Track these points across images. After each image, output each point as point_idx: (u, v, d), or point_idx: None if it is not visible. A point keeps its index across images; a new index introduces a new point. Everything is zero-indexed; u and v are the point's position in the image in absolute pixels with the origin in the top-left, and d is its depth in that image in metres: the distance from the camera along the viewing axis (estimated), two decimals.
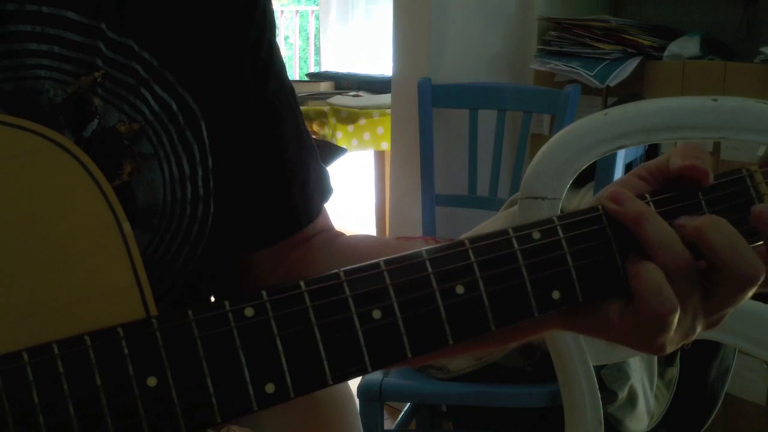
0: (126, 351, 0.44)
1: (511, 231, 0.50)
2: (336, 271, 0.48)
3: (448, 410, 1.98)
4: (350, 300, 0.47)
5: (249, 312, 0.46)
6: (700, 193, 0.53)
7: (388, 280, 0.48)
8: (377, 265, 0.48)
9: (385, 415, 1.76)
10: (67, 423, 0.43)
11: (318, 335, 0.47)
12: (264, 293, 0.46)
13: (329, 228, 0.76)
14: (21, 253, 0.46)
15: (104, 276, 0.47)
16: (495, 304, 0.49)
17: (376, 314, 0.48)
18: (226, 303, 0.46)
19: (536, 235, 0.51)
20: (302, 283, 0.47)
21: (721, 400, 1.66)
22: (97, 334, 0.44)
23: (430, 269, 0.49)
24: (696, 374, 1.64)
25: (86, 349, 0.44)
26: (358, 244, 0.73)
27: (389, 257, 0.49)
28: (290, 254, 0.72)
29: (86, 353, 0.44)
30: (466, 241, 0.50)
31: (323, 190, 0.75)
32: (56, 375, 0.43)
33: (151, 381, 0.44)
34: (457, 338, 0.49)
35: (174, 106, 0.63)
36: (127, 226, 0.48)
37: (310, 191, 0.73)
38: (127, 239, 0.48)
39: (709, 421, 1.66)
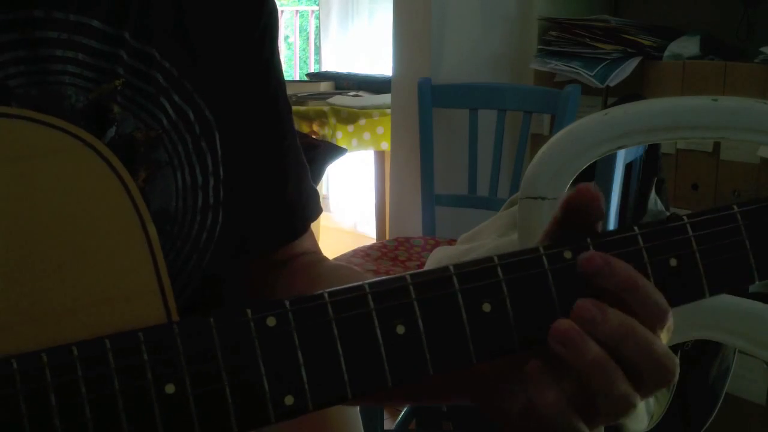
0: (145, 356, 0.44)
1: (541, 249, 0.49)
2: (361, 283, 0.47)
3: (448, 410, 1.98)
4: (374, 314, 0.46)
5: (271, 321, 0.45)
6: (738, 215, 0.51)
7: (413, 296, 0.47)
8: (403, 278, 0.48)
9: (385, 415, 1.77)
10: (83, 426, 0.42)
11: (340, 348, 0.46)
12: (287, 303, 0.46)
13: (314, 251, 0.76)
14: (46, 251, 0.45)
15: (128, 278, 0.46)
16: (520, 323, 0.48)
17: (400, 329, 0.47)
18: (248, 311, 0.45)
19: (567, 255, 0.49)
20: (326, 295, 0.46)
21: (721, 400, 1.66)
22: (117, 338, 0.44)
23: (457, 286, 0.48)
24: (696, 374, 1.64)
25: (106, 352, 0.43)
26: (343, 273, 0.72)
27: (416, 272, 0.48)
28: (271, 271, 0.73)
29: (105, 357, 0.43)
30: (495, 258, 0.49)
31: (313, 207, 0.76)
32: (74, 378, 0.43)
33: (169, 388, 0.44)
34: (481, 357, 0.48)
35: (191, 116, 0.64)
36: (152, 228, 0.47)
37: (302, 206, 0.74)
38: (151, 241, 0.47)
39: (709, 421, 1.66)
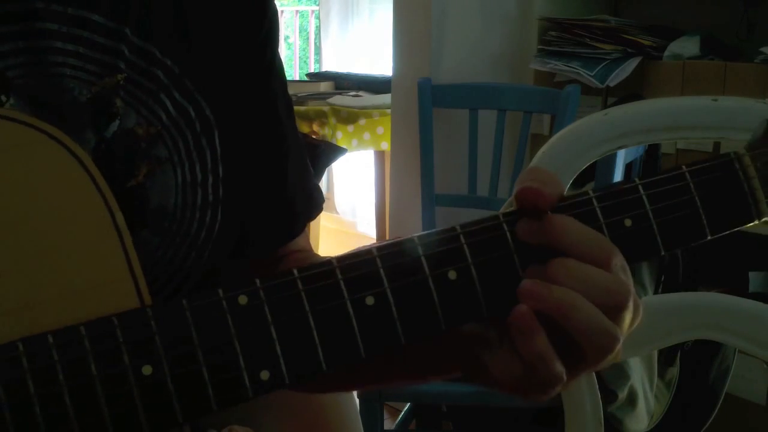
0: (121, 340, 0.44)
1: (501, 216, 0.51)
2: (329, 258, 0.48)
3: (448, 410, 1.98)
4: (343, 285, 0.47)
5: (243, 300, 0.46)
6: (687, 174, 0.53)
7: (380, 266, 0.48)
8: (369, 251, 0.49)
9: (385, 415, 1.77)
10: (63, 412, 0.43)
11: (311, 321, 0.47)
12: (258, 281, 0.47)
13: (308, 249, 0.77)
14: (14, 245, 0.46)
15: (98, 267, 0.47)
16: (486, 288, 0.49)
17: (369, 300, 0.48)
18: (220, 291, 0.46)
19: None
20: (295, 271, 0.47)
21: (721, 400, 1.66)
22: (91, 324, 0.44)
23: (421, 254, 0.49)
24: (696, 374, 1.64)
25: (81, 338, 0.44)
26: None
27: (382, 243, 0.49)
28: (265, 269, 0.73)
29: (81, 342, 0.44)
30: (458, 226, 0.50)
31: (312, 207, 0.76)
32: (51, 365, 0.43)
33: (147, 369, 0.44)
34: (450, 324, 0.49)
35: (192, 113, 0.64)
36: (120, 217, 0.48)
37: (301, 207, 0.75)
38: (120, 230, 0.48)
39: (709, 421, 1.66)
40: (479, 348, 0.52)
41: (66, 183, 0.47)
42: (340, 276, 0.48)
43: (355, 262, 0.48)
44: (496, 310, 0.49)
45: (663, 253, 0.52)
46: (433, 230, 0.50)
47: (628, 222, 0.51)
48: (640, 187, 0.52)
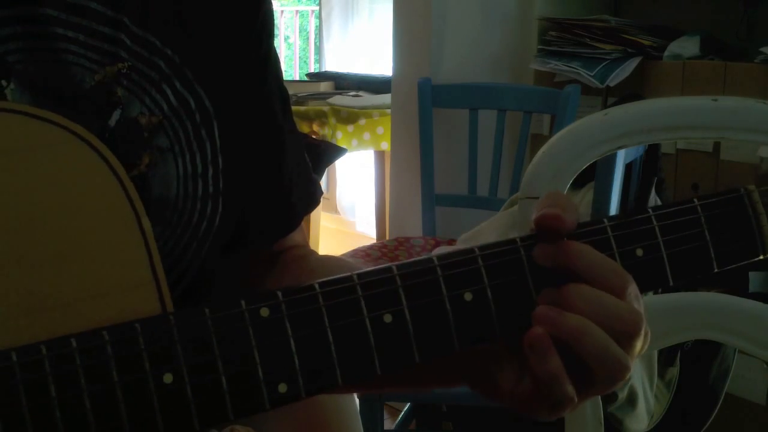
0: (143, 347, 0.44)
1: (518, 240, 0.51)
2: (350, 274, 0.49)
3: (448, 410, 1.98)
4: (363, 305, 0.48)
5: (264, 312, 0.46)
6: (699, 207, 0.54)
7: (399, 284, 0.49)
8: (389, 269, 0.49)
9: (385, 415, 1.77)
10: (83, 417, 0.43)
11: (330, 336, 0.47)
12: (280, 294, 0.47)
13: (303, 244, 0.77)
14: (40, 245, 0.46)
15: (122, 271, 0.47)
16: (500, 311, 0.50)
17: (387, 318, 0.48)
18: (243, 302, 0.46)
19: None
20: (317, 286, 0.48)
21: (721, 400, 1.66)
22: (114, 329, 0.44)
23: (440, 274, 0.50)
24: (696, 374, 1.64)
25: (104, 344, 0.44)
26: (334, 264, 0.74)
27: (401, 262, 0.50)
28: (262, 264, 0.74)
29: (104, 348, 0.44)
30: (476, 249, 0.51)
31: (309, 201, 0.77)
32: (73, 369, 0.43)
33: (167, 378, 0.44)
34: (464, 345, 0.50)
35: (192, 104, 0.64)
36: (146, 222, 0.48)
37: (298, 200, 0.75)
38: (146, 234, 0.48)
39: (709, 421, 1.66)
40: (488, 362, 0.52)
41: (93, 185, 0.47)
42: (360, 293, 0.48)
43: (376, 279, 0.49)
44: (509, 332, 0.50)
45: (671, 284, 0.54)
46: (452, 251, 0.51)
47: (639, 252, 0.52)
48: (653, 218, 0.53)
